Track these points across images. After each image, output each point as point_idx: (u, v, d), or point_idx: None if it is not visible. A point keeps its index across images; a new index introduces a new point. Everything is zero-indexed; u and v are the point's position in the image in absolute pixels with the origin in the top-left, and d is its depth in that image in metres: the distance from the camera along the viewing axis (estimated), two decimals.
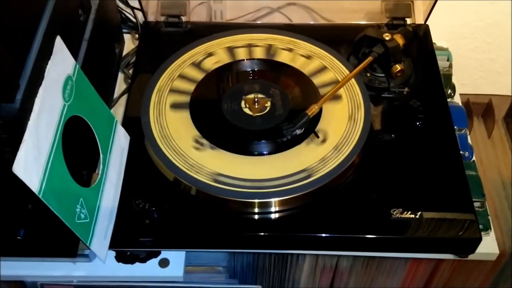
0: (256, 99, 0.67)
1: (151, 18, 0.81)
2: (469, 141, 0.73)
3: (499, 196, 0.76)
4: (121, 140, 0.64)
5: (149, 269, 0.64)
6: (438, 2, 0.77)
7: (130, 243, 0.61)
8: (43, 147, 0.49)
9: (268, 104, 0.68)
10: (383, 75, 0.71)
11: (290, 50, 0.74)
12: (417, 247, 0.61)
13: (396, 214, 0.59)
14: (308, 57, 0.73)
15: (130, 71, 0.81)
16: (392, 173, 0.63)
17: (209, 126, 0.65)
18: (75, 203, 0.53)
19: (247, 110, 0.67)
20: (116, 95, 0.79)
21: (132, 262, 0.64)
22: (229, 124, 0.65)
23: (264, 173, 0.60)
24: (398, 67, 0.69)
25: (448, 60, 0.81)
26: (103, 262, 0.58)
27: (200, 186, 0.60)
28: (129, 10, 0.86)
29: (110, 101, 0.77)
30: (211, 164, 0.61)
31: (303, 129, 0.64)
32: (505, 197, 0.76)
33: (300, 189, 0.59)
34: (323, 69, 0.71)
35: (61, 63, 0.54)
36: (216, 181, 0.60)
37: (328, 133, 0.64)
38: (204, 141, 0.64)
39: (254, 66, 0.73)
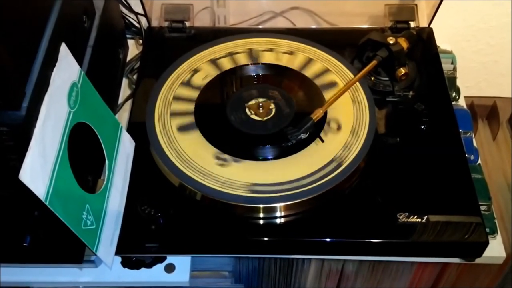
0: (260, 104, 0.68)
1: (154, 23, 0.81)
2: (475, 144, 0.73)
3: (505, 198, 0.76)
4: (126, 145, 0.64)
5: (155, 274, 0.65)
6: (441, 5, 0.77)
7: (136, 248, 0.61)
8: (49, 154, 0.49)
9: (273, 108, 0.68)
10: (387, 78, 0.71)
11: (293, 54, 0.74)
12: (424, 251, 0.61)
13: (402, 218, 0.59)
14: (312, 61, 0.73)
15: (135, 77, 0.82)
16: (397, 177, 0.63)
17: (213, 131, 0.65)
18: (81, 210, 0.53)
19: (252, 115, 0.67)
20: (120, 100, 0.80)
21: (138, 268, 0.65)
22: (233, 129, 0.65)
23: (269, 178, 0.60)
24: (402, 70, 0.69)
25: (452, 63, 0.81)
26: (109, 268, 0.58)
27: (206, 192, 0.60)
28: (132, 15, 0.86)
29: (114, 107, 0.77)
30: (216, 170, 0.61)
31: (308, 133, 0.64)
32: (511, 199, 0.76)
33: (305, 194, 0.59)
34: (327, 73, 0.71)
35: (66, 69, 0.54)
36: (221, 186, 0.60)
37: (333, 137, 0.64)
38: (209, 146, 0.64)
39: (259, 71, 0.73)
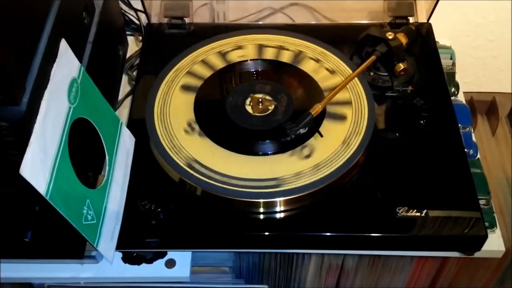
0: (260, 100, 0.68)
1: (154, 20, 0.81)
2: (474, 138, 0.73)
3: (504, 193, 0.76)
4: (126, 141, 0.65)
5: (155, 269, 0.65)
6: (440, 1, 0.77)
7: (136, 244, 0.61)
8: (49, 149, 0.49)
9: (272, 104, 0.68)
10: (386, 74, 0.71)
11: (292, 50, 0.74)
12: (423, 245, 0.61)
13: (402, 212, 0.59)
14: (311, 57, 0.73)
15: (134, 73, 0.82)
16: (397, 172, 0.63)
17: (214, 127, 0.66)
18: (82, 205, 0.53)
19: (251, 111, 0.67)
20: (120, 97, 0.80)
21: (138, 263, 0.65)
22: (234, 124, 0.66)
23: (269, 172, 0.61)
24: (401, 65, 0.69)
25: (451, 59, 0.81)
26: (110, 263, 0.58)
27: (206, 186, 0.60)
28: (132, 12, 0.87)
29: (114, 103, 0.77)
30: (217, 165, 0.61)
31: (307, 128, 0.64)
32: (510, 194, 0.76)
33: (305, 188, 0.59)
34: (326, 68, 0.71)
35: (66, 65, 0.54)
36: (221, 181, 0.60)
37: (333, 132, 0.64)
38: (210, 142, 0.64)
39: (258, 67, 0.73)
